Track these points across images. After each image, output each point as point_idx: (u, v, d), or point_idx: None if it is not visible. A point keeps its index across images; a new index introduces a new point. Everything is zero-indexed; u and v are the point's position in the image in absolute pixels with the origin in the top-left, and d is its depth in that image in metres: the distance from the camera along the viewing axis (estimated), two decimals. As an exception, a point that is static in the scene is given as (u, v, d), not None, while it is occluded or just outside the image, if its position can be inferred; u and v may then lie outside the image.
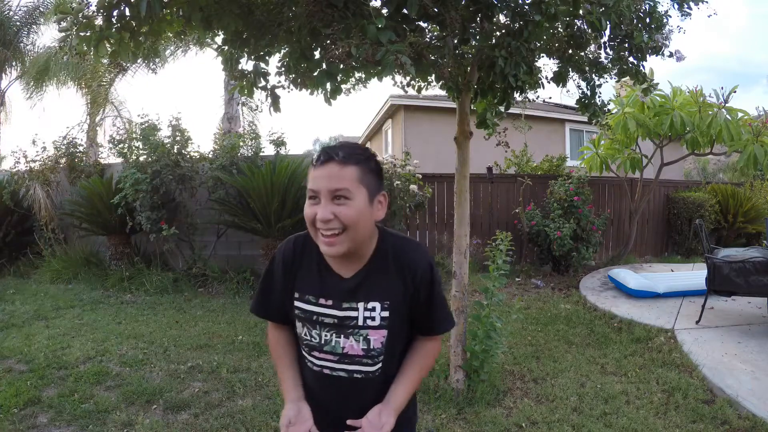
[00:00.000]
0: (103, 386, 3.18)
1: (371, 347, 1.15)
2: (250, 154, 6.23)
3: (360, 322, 1.14)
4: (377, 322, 1.14)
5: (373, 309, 1.14)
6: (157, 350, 3.83)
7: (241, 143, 6.32)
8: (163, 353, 3.78)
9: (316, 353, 1.19)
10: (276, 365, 1.29)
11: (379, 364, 1.17)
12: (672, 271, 6.29)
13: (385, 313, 1.14)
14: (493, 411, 2.83)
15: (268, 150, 6.32)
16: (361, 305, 1.14)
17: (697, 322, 4.16)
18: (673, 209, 8.02)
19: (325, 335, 1.16)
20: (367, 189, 1.09)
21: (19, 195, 6.78)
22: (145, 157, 5.91)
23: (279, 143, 6.23)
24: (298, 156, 6.35)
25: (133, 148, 6.10)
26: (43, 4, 11.01)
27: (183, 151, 6.05)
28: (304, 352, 1.22)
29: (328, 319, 1.15)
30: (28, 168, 6.95)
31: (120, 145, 6.23)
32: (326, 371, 1.18)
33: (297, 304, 1.18)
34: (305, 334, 1.19)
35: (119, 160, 6.50)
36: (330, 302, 1.15)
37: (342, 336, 1.15)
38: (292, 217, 5.46)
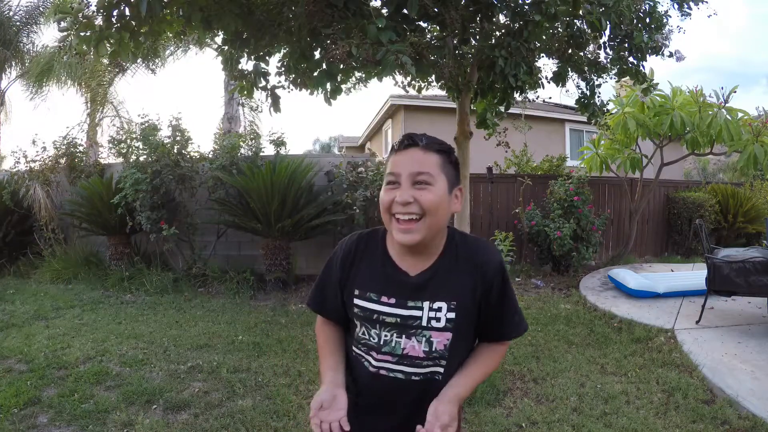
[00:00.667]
0: (103, 386, 3.18)
1: (433, 349, 1.09)
2: (250, 154, 6.23)
3: (424, 323, 1.08)
4: (442, 324, 1.08)
5: (439, 309, 1.08)
6: (157, 350, 3.83)
7: (241, 143, 6.32)
8: (163, 353, 3.77)
9: (374, 354, 1.13)
10: (319, 351, 1.23)
11: (440, 368, 1.11)
12: (672, 271, 6.29)
13: (451, 315, 1.08)
14: (493, 411, 2.83)
15: (268, 150, 6.33)
16: (426, 304, 1.08)
17: (697, 322, 4.16)
18: (673, 209, 8.02)
19: (385, 335, 1.11)
20: (447, 178, 1.07)
21: (19, 195, 6.77)
22: (145, 157, 5.92)
23: (279, 143, 6.23)
24: (298, 156, 6.35)
25: (133, 148, 6.10)
26: (43, 4, 11.01)
27: (183, 151, 6.05)
28: (361, 352, 1.16)
29: (389, 318, 1.10)
30: (28, 168, 6.95)
31: (120, 145, 6.23)
32: (383, 371, 1.12)
33: (356, 302, 1.13)
34: (363, 334, 1.14)
35: (119, 160, 6.50)
36: (393, 300, 1.10)
37: (403, 336, 1.10)
38: (292, 217, 5.46)
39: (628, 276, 5.32)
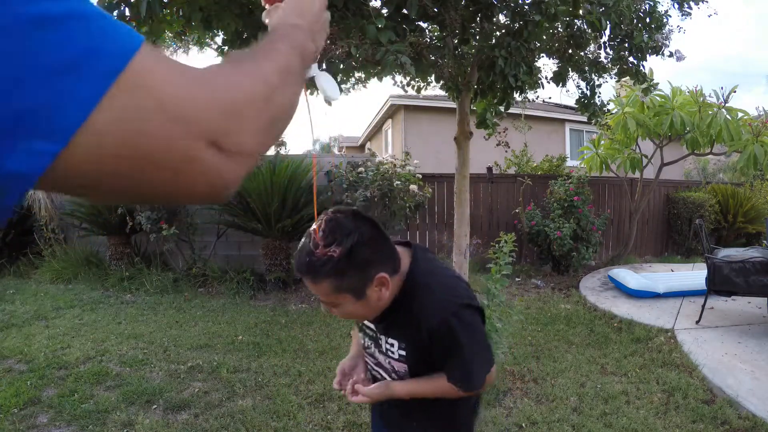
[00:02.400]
0: (103, 386, 3.18)
1: (396, 370, 1.19)
2: (250, 154, 6.22)
3: (383, 348, 1.20)
4: (396, 356, 1.17)
5: (392, 345, 1.16)
6: (157, 350, 3.83)
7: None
8: (163, 353, 3.77)
9: (365, 350, 1.30)
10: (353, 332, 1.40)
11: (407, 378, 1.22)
12: (672, 271, 6.29)
13: (402, 352, 1.15)
14: (493, 411, 2.83)
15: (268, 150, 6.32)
16: (383, 337, 1.19)
17: (697, 322, 4.16)
18: (673, 209, 8.02)
19: (368, 341, 1.26)
20: (350, 292, 1.01)
21: (19, 195, 6.77)
22: (145, 157, 5.91)
23: (279, 143, 6.23)
24: (298, 156, 6.35)
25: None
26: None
27: (183, 151, 6.04)
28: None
29: (369, 331, 1.24)
30: (28, 168, 6.94)
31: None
32: (369, 366, 1.30)
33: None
34: (363, 342, 1.31)
35: (119, 160, 6.49)
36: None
37: (377, 350, 1.22)
38: (292, 217, 5.46)
39: (628, 276, 5.32)
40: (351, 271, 0.98)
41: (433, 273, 1.13)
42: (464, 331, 1.06)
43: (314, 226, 1.01)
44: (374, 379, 1.27)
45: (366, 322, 1.24)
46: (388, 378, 1.22)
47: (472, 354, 1.08)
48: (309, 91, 2.98)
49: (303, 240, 1.03)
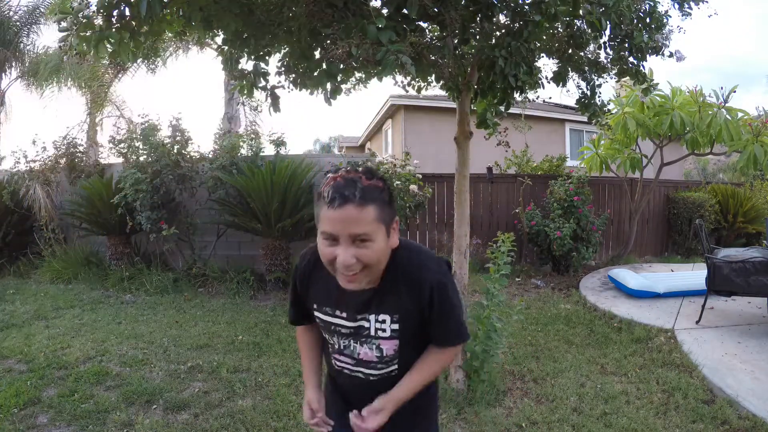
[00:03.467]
0: (103, 386, 3.18)
1: (384, 354, 1.21)
2: (250, 154, 6.23)
3: (372, 333, 1.19)
4: (388, 333, 1.18)
5: (384, 321, 1.17)
6: (157, 350, 3.83)
7: (241, 143, 6.32)
8: (163, 353, 3.78)
9: (336, 355, 1.28)
10: (301, 357, 1.41)
11: (394, 367, 1.23)
12: (672, 271, 6.29)
13: (395, 326, 1.17)
14: (493, 411, 2.83)
15: (268, 150, 6.32)
16: (372, 317, 1.18)
17: (697, 322, 4.16)
18: (673, 209, 8.02)
19: (343, 341, 1.24)
20: (385, 224, 1.06)
21: (19, 195, 6.77)
22: (145, 157, 5.91)
23: (279, 143, 6.23)
24: (298, 156, 6.35)
25: (134, 148, 6.10)
26: (43, 4, 11.00)
27: (183, 151, 6.05)
28: (328, 352, 1.32)
29: (343, 329, 1.22)
30: (28, 168, 6.94)
31: (120, 145, 6.23)
32: (346, 371, 1.28)
33: (316, 314, 1.26)
34: (328, 339, 1.29)
35: (119, 160, 6.50)
36: (345, 314, 1.20)
37: (357, 343, 1.22)
38: (292, 217, 5.46)
39: (628, 276, 5.32)
40: (388, 206, 1.07)
41: (411, 243, 1.24)
42: (453, 288, 1.19)
43: (342, 171, 1.05)
44: (352, 383, 1.28)
45: (341, 321, 1.21)
46: (370, 374, 1.23)
47: (460, 308, 1.21)
48: (309, 91, 2.98)
49: (328, 188, 1.02)
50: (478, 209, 6.93)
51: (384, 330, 1.17)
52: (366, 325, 1.19)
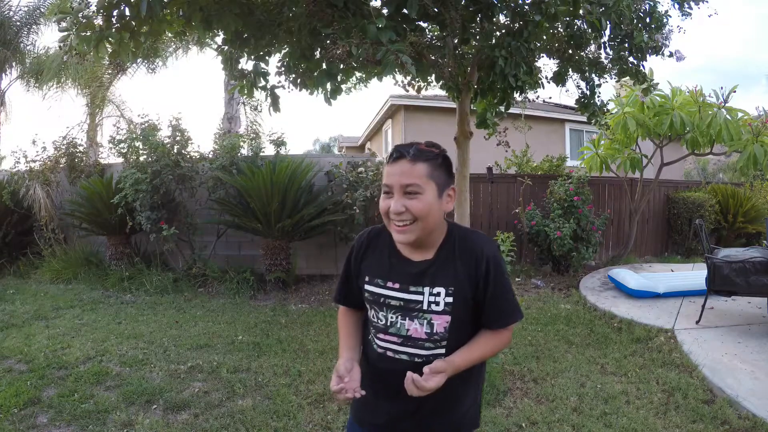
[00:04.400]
0: (103, 386, 3.18)
1: (434, 331, 1.20)
2: (250, 154, 6.23)
3: (425, 306, 1.20)
4: (441, 308, 1.19)
5: (438, 294, 1.19)
6: (157, 350, 3.83)
7: (241, 143, 6.32)
8: (163, 353, 3.77)
9: (381, 335, 1.25)
10: (339, 336, 1.37)
11: (442, 350, 1.21)
12: (672, 271, 6.29)
13: (449, 299, 1.19)
14: (493, 411, 2.83)
15: (269, 150, 6.33)
16: (426, 290, 1.20)
17: (697, 322, 4.16)
18: (673, 209, 8.02)
19: (391, 317, 1.23)
20: (436, 183, 1.16)
21: (19, 195, 6.77)
22: (145, 157, 5.91)
23: (279, 143, 6.23)
24: (298, 156, 6.35)
25: (134, 148, 6.10)
26: (43, 4, 11.00)
27: (183, 151, 6.05)
28: (371, 335, 1.30)
29: (394, 302, 1.23)
30: (28, 168, 6.94)
31: (120, 145, 6.23)
32: (389, 353, 1.24)
33: (366, 287, 1.27)
34: (373, 317, 1.27)
35: (119, 160, 6.50)
36: (397, 285, 1.22)
37: (407, 318, 1.21)
38: (292, 217, 5.46)
39: (628, 276, 5.32)
40: (441, 169, 1.18)
41: (465, 227, 1.32)
42: (505, 266, 1.25)
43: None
44: (394, 369, 1.21)
45: (392, 293, 1.22)
46: (416, 355, 1.21)
47: (511, 286, 1.26)
48: (309, 91, 2.99)
49: (391, 149, 1.18)
50: (478, 209, 6.93)
51: (438, 303, 1.19)
52: (419, 298, 1.20)
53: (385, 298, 1.23)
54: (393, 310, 1.23)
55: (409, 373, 1.11)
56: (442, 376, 1.12)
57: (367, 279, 1.27)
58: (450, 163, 1.22)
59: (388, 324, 1.23)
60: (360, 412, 1.34)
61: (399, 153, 1.16)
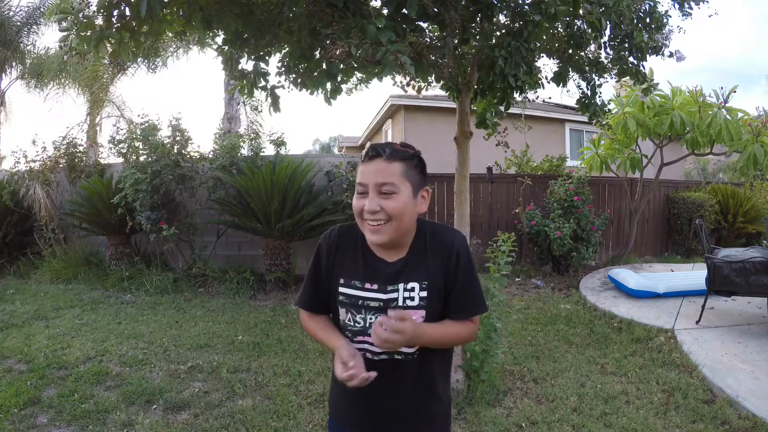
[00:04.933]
0: (103, 386, 3.18)
1: None
2: (250, 154, 6.23)
3: (400, 302, 1.20)
4: (416, 302, 1.20)
5: (413, 290, 1.20)
6: (157, 350, 3.83)
7: (241, 143, 6.32)
8: (163, 353, 3.77)
9: (359, 337, 1.23)
10: (318, 334, 1.29)
11: (416, 347, 1.22)
12: (672, 271, 6.29)
13: (424, 293, 1.20)
14: (493, 411, 2.83)
15: (268, 150, 6.33)
16: (401, 286, 1.20)
17: (697, 322, 4.16)
18: (673, 209, 8.02)
19: (370, 318, 1.21)
20: (411, 184, 1.17)
21: (19, 195, 6.77)
22: (145, 157, 5.91)
23: (279, 143, 6.23)
24: (298, 156, 6.35)
25: (134, 148, 6.10)
26: (44, 4, 11.01)
27: (183, 151, 6.05)
28: (348, 339, 1.26)
29: (373, 303, 1.21)
30: (28, 168, 6.95)
31: (120, 145, 6.23)
32: (368, 355, 1.22)
33: (342, 290, 1.24)
34: (349, 320, 1.24)
35: (119, 160, 6.50)
36: (375, 286, 1.22)
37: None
38: (292, 217, 5.46)
39: (628, 276, 5.32)
40: (416, 169, 1.19)
41: (433, 222, 1.33)
42: (471, 258, 1.26)
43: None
44: (371, 367, 1.20)
45: (371, 294, 1.20)
46: (394, 354, 1.21)
47: (478, 279, 1.27)
48: (309, 91, 2.98)
49: (366, 149, 1.19)
50: (478, 209, 6.93)
51: (413, 299, 1.20)
52: (395, 296, 1.20)
53: (364, 300, 1.22)
54: (372, 312, 1.21)
55: (380, 317, 1.12)
56: (404, 334, 1.09)
57: (342, 281, 1.24)
58: (425, 165, 1.23)
59: (367, 326, 1.21)
60: (340, 415, 1.33)
61: (375, 152, 1.16)
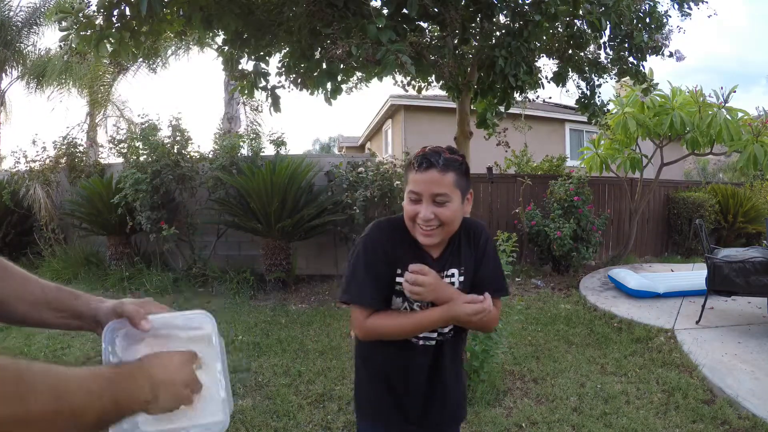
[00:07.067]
0: (103, 386, 3.18)
1: None
2: (250, 154, 6.23)
3: None
4: (456, 286, 1.31)
5: (452, 275, 1.32)
6: (157, 350, 3.83)
7: (241, 143, 6.32)
8: (163, 353, 3.77)
9: None
10: (403, 323, 1.28)
11: (451, 325, 1.33)
12: (672, 271, 6.29)
13: (461, 278, 1.32)
14: (493, 411, 2.83)
15: (269, 150, 6.32)
16: (444, 273, 1.31)
17: (697, 322, 4.16)
18: (673, 209, 8.02)
19: (424, 305, 1.30)
20: (461, 190, 1.25)
21: (19, 195, 6.77)
22: (145, 157, 5.91)
23: (279, 143, 6.23)
24: (298, 156, 6.34)
25: (134, 148, 6.10)
26: (44, 4, 11.01)
27: (183, 151, 6.05)
28: None
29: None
30: (28, 168, 6.94)
31: (120, 145, 6.23)
32: (422, 342, 1.32)
33: (399, 279, 1.30)
34: (405, 308, 1.32)
35: (119, 160, 6.50)
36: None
37: (432, 304, 1.28)
38: (292, 217, 5.46)
39: (628, 276, 5.32)
40: (465, 177, 1.26)
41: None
42: (494, 244, 1.41)
43: (428, 147, 1.26)
44: (416, 359, 1.33)
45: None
46: (437, 336, 1.32)
47: (501, 266, 1.42)
48: (309, 91, 2.99)
49: (418, 157, 1.24)
50: (478, 209, 6.93)
51: (453, 284, 1.30)
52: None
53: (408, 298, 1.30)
54: (416, 305, 1.31)
55: (406, 274, 1.22)
56: (429, 283, 1.21)
57: (399, 272, 1.29)
58: (468, 169, 1.31)
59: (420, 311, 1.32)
60: (386, 416, 1.39)
61: (429, 162, 1.21)
